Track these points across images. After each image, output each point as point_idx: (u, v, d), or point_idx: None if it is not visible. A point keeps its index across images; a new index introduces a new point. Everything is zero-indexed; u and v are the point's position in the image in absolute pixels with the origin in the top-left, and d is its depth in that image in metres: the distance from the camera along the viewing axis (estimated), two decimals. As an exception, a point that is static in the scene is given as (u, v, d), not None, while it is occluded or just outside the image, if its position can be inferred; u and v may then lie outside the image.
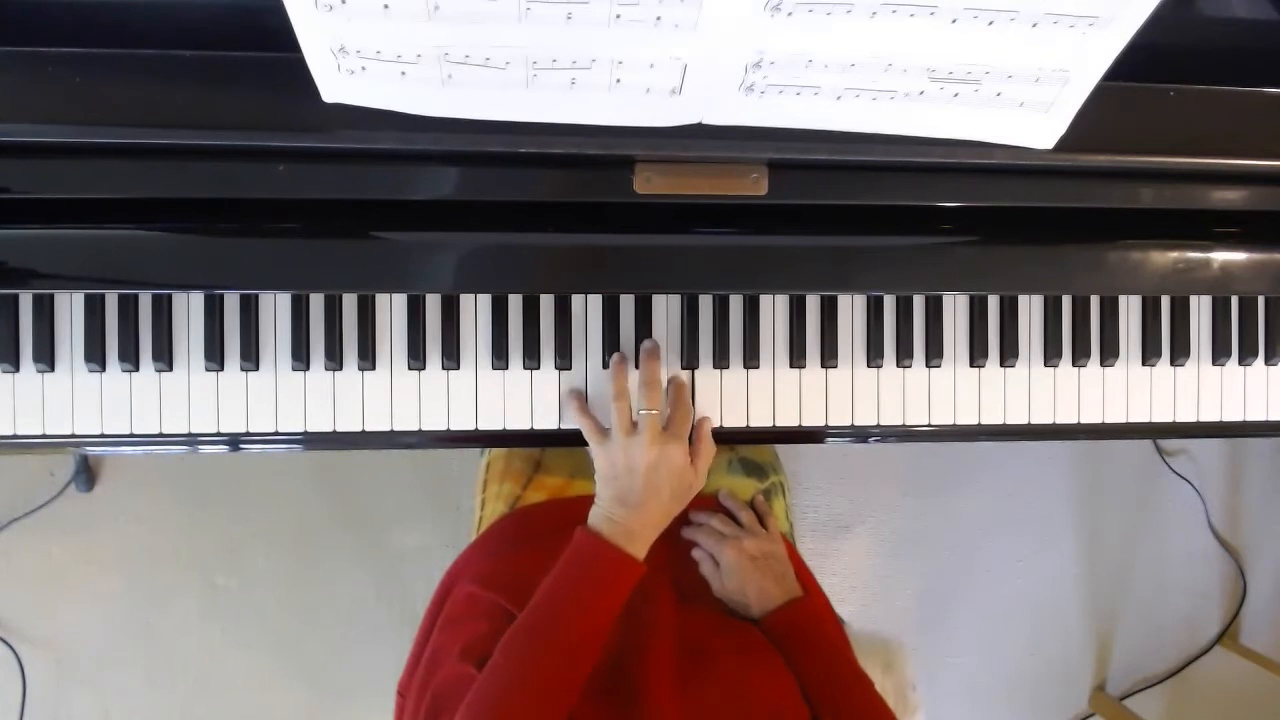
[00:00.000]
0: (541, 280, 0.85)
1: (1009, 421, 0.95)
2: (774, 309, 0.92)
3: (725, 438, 0.93)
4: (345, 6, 0.59)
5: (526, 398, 0.90)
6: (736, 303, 0.92)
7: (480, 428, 0.90)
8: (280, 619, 1.83)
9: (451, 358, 0.89)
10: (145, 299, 0.87)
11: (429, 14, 0.59)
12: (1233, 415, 0.98)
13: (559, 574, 0.79)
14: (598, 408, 0.89)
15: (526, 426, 0.90)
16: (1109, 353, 0.95)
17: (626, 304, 0.91)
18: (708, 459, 0.86)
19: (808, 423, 0.93)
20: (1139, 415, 0.97)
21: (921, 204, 0.83)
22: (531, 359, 0.89)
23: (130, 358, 0.87)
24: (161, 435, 0.88)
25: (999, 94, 0.67)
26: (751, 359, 0.92)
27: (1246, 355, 0.97)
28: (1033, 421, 0.95)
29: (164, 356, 0.87)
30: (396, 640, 1.78)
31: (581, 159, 0.77)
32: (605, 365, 0.90)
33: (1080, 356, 0.95)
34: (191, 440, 0.88)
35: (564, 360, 0.90)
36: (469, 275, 0.83)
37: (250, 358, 0.87)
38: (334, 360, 0.88)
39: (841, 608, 0.97)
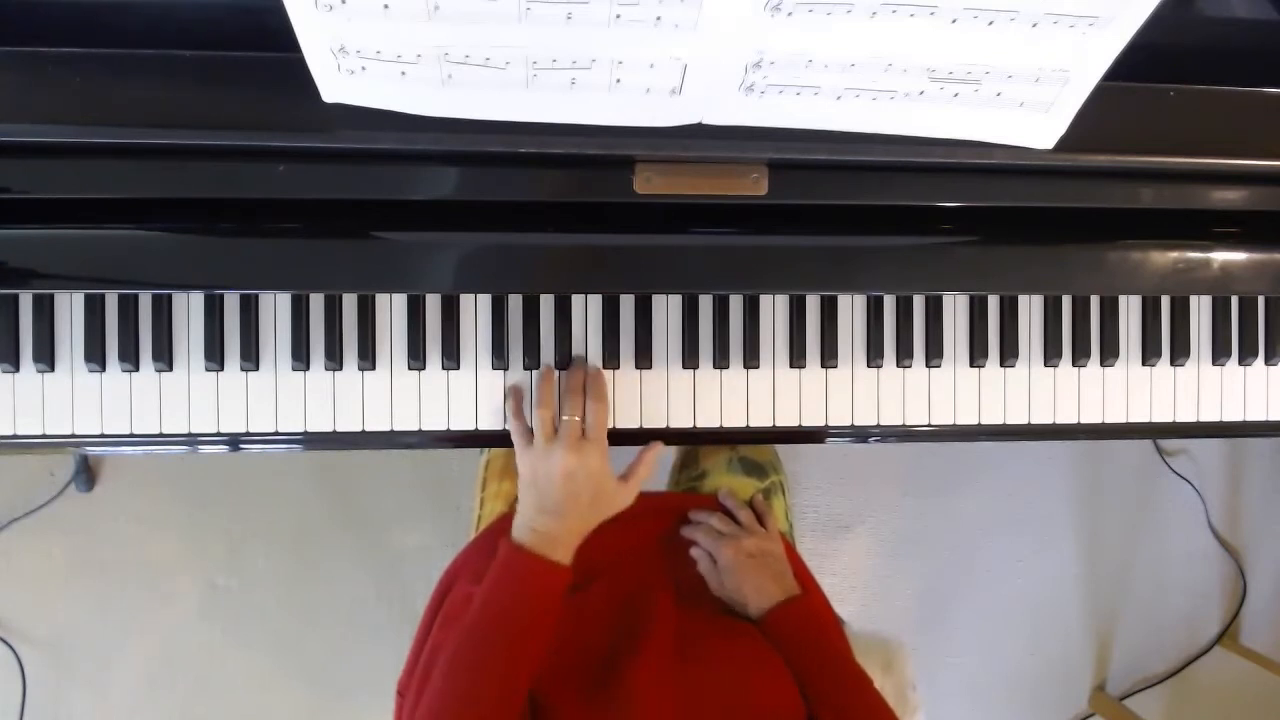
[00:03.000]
0: (541, 280, 0.85)
1: (1009, 421, 0.95)
2: (774, 309, 0.92)
3: (725, 438, 0.93)
4: (345, 6, 0.59)
5: (526, 398, 0.90)
6: (736, 303, 0.92)
7: (480, 428, 0.90)
8: (280, 619, 1.83)
9: (451, 358, 0.89)
10: (145, 299, 0.87)
11: (429, 14, 0.59)
12: (1233, 415, 0.98)
13: (489, 590, 0.78)
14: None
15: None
16: (1109, 353, 0.95)
17: (626, 304, 0.91)
18: (640, 479, 0.86)
19: (808, 423, 0.93)
20: (1139, 415, 0.97)
21: (921, 204, 0.83)
22: (531, 359, 0.89)
23: (130, 358, 0.87)
24: (161, 435, 0.88)
25: (999, 94, 0.67)
26: (751, 359, 0.92)
27: (1246, 355, 0.97)
28: (1033, 421, 0.95)
29: (164, 356, 0.87)
30: (396, 640, 1.79)
31: (581, 159, 0.77)
32: (605, 365, 0.90)
33: (1080, 356, 0.95)
34: (191, 440, 0.88)
35: (564, 360, 0.90)
36: (469, 275, 0.83)
37: (250, 358, 0.87)
38: (334, 360, 0.88)
39: (841, 608, 0.97)
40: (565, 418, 0.82)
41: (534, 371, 0.90)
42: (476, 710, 0.70)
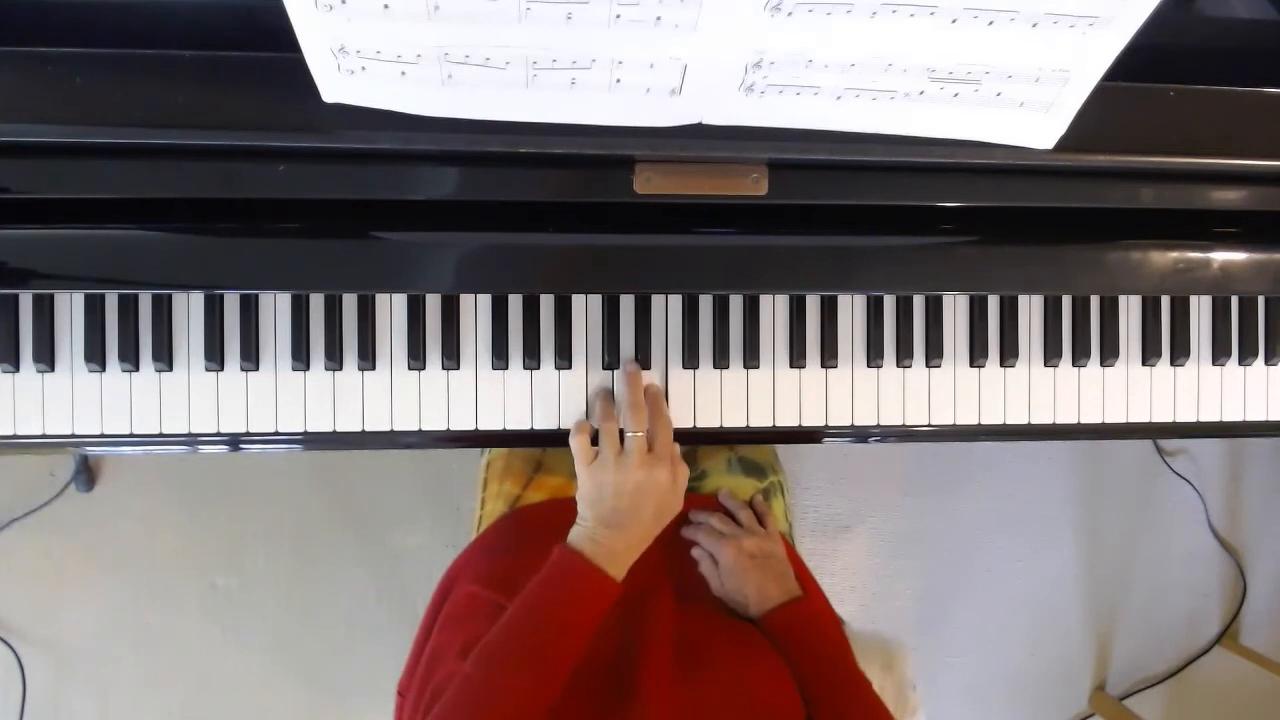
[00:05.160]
0: (541, 280, 0.85)
1: (1009, 421, 0.95)
2: (774, 309, 0.92)
3: (725, 438, 0.93)
4: (345, 6, 0.59)
5: (526, 398, 0.90)
6: (736, 303, 0.92)
7: (480, 428, 0.90)
8: (280, 619, 1.83)
9: (451, 358, 0.89)
10: (145, 299, 0.87)
11: (429, 14, 0.59)
12: (1233, 415, 0.98)
13: (537, 591, 0.78)
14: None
15: (526, 427, 0.90)
16: (1109, 353, 0.95)
17: (626, 304, 0.91)
18: (684, 480, 0.86)
19: (808, 423, 0.93)
20: (1139, 415, 0.97)
21: (921, 204, 0.83)
22: (531, 359, 0.89)
23: (130, 358, 0.87)
24: (161, 435, 0.88)
25: (999, 94, 0.67)
26: (751, 359, 0.92)
27: (1246, 355, 0.97)
28: (1033, 421, 0.95)
29: (164, 356, 0.87)
30: (396, 640, 1.79)
31: (581, 159, 0.77)
32: (605, 365, 0.90)
33: (1080, 356, 0.95)
34: (191, 440, 0.88)
35: (564, 360, 0.90)
36: (469, 275, 0.83)
37: (250, 358, 0.87)
38: (334, 360, 0.88)
39: (841, 608, 0.97)
40: (631, 434, 0.83)
41: (535, 371, 0.90)
42: (508, 702, 0.70)
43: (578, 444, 0.85)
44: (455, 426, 0.90)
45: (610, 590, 0.79)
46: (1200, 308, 0.97)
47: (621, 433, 0.84)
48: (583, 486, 0.84)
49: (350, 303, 0.88)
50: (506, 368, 0.90)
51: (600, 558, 0.79)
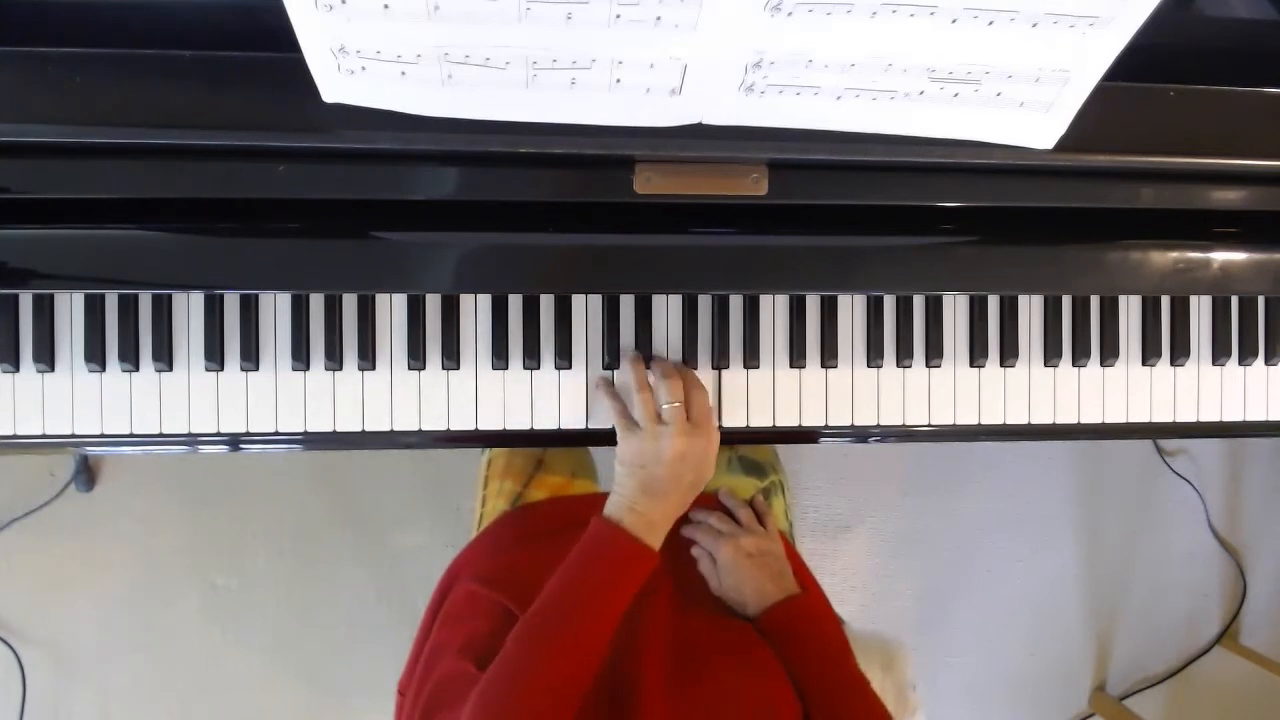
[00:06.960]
0: (541, 280, 0.85)
1: (1009, 421, 0.95)
2: (774, 309, 0.92)
3: (725, 438, 0.93)
4: (345, 6, 0.59)
5: (526, 398, 0.90)
6: (736, 303, 0.92)
7: (480, 428, 0.90)
8: (280, 619, 1.83)
9: (451, 358, 0.89)
10: (145, 299, 0.87)
11: (429, 14, 0.59)
12: (1233, 415, 0.98)
13: (576, 563, 0.79)
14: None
15: (526, 426, 0.90)
16: (1109, 353, 0.95)
17: (626, 304, 0.91)
18: (717, 445, 0.87)
19: (808, 423, 0.93)
20: (1139, 415, 0.97)
21: (921, 204, 0.83)
22: (531, 359, 0.89)
23: (130, 358, 0.87)
24: (161, 435, 0.88)
25: (999, 94, 0.67)
26: (751, 359, 0.92)
27: (1246, 355, 0.97)
28: (1033, 421, 0.95)
29: (164, 356, 0.87)
30: (396, 640, 1.79)
31: (581, 159, 0.77)
32: (605, 365, 0.90)
33: (1080, 356, 0.95)
34: (191, 440, 0.88)
35: (564, 360, 0.90)
36: (469, 275, 0.83)
37: (250, 358, 0.87)
38: (334, 360, 0.88)
39: (841, 608, 0.97)
40: (668, 404, 0.83)
41: (535, 371, 0.90)
42: (538, 688, 0.70)
43: (614, 409, 0.87)
44: (455, 426, 0.90)
45: (649, 560, 0.80)
46: (1200, 308, 0.97)
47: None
48: (621, 453, 0.85)
49: (350, 303, 0.88)
50: (506, 368, 0.90)
51: (639, 528, 0.80)
